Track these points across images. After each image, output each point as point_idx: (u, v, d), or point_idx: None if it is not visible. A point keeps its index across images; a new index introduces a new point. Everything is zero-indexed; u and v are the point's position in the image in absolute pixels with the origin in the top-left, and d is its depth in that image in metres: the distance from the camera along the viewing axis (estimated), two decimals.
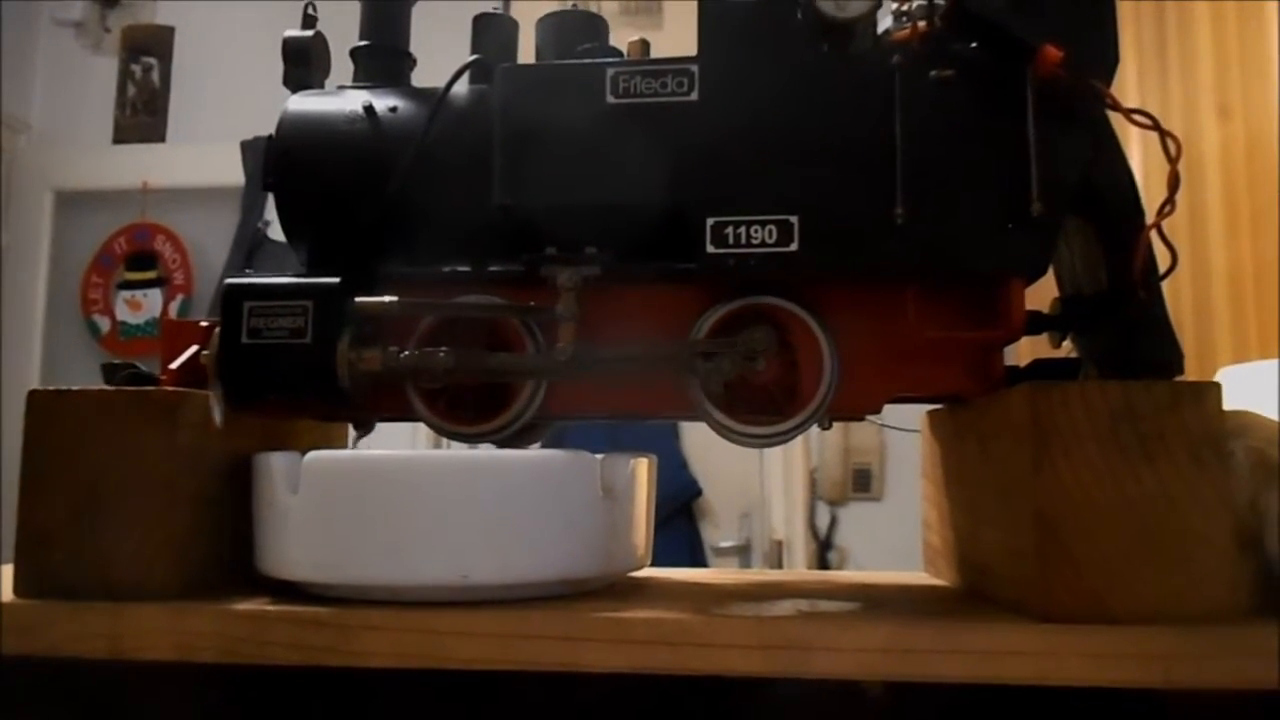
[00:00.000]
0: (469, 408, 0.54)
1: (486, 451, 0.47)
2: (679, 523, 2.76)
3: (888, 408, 0.53)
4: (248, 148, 2.52)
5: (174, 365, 0.53)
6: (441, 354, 0.50)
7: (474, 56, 0.56)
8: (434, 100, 0.55)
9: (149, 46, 2.97)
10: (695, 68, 0.50)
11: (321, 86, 0.60)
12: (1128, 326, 0.47)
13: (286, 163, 0.56)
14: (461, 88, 0.56)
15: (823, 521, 2.79)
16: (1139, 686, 0.42)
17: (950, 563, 0.58)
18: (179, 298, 2.79)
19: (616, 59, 0.52)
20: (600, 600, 0.48)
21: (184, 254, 2.78)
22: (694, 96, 0.50)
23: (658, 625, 0.44)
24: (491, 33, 0.58)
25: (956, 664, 0.43)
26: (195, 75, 2.87)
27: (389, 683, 0.49)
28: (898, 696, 0.46)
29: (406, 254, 0.56)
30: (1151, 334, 0.47)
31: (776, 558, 2.80)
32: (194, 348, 0.54)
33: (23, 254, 2.83)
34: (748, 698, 0.48)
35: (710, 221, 0.49)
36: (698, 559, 2.88)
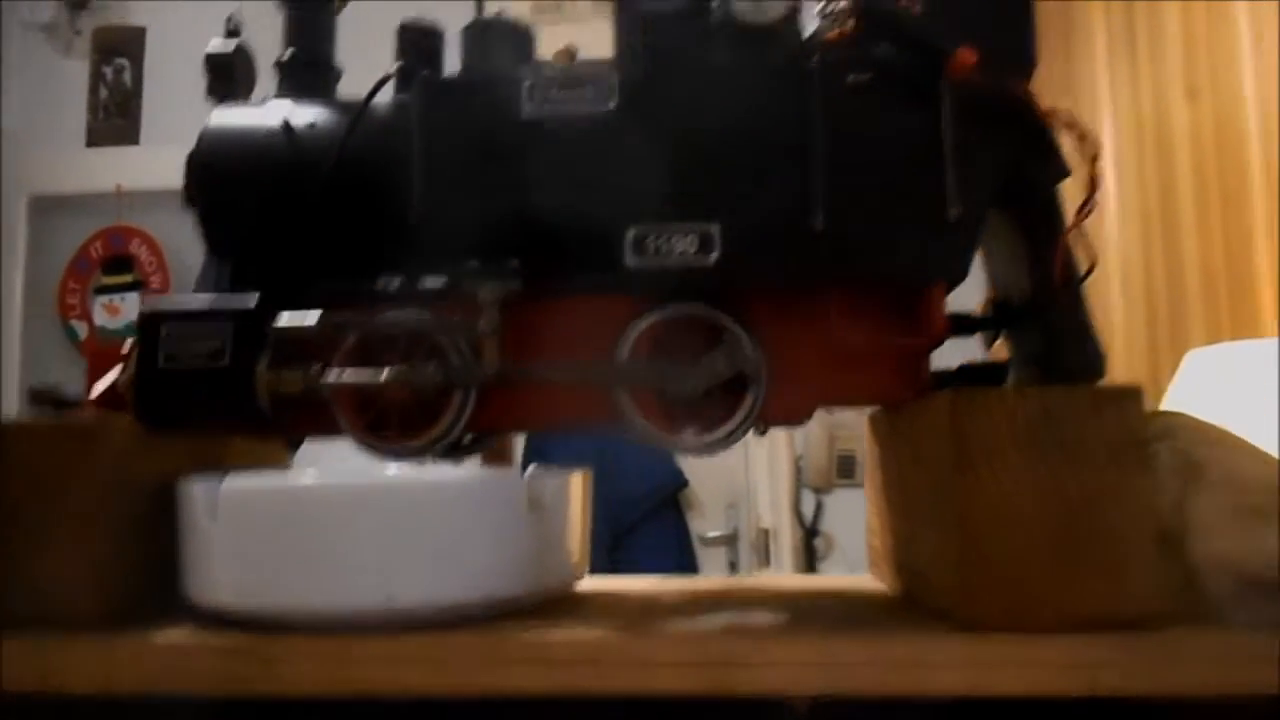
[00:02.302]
0: (397, 424, 0.53)
1: (406, 473, 0.47)
2: (666, 514, 2.76)
3: None
4: None
5: (96, 389, 0.52)
6: (364, 373, 0.49)
7: (395, 66, 0.55)
8: (354, 112, 0.54)
9: (120, 48, 2.95)
10: (612, 77, 0.49)
11: (247, 98, 0.59)
12: (1049, 332, 0.47)
13: (206, 178, 0.55)
14: (384, 98, 0.55)
15: (808, 509, 2.79)
16: (1066, 695, 0.42)
17: (890, 567, 0.58)
18: None
19: (532, 69, 0.51)
20: (528, 620, 0.47)
21: (160, 257, 2.77)
22: (611, 106, 0.49)
23: (581, 645, 0.44)
24: (415, 43, 0.57)
25: (883, 677, 0.43)
26: (167, 76, 2.84)
27: (336, 706, 0.48)
28: (825, 711, 0.46)
29: (330, 269, 0.55)
30: (1072, 339, 0.47)
31: (764, 546, 2.81)
32: (116, 370, 0.53)
33: None
34: (679, 714, 0.47)
35: (630, 232, 0.48)
36: (685, 550, 2.89)
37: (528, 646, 0.44)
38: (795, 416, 0.53)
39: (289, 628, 0.46)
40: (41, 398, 0.55)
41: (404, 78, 0.55)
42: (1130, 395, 0.43)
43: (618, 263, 0.48)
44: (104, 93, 2.94)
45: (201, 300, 0.51)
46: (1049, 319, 0.47)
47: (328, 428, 0.53)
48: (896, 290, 0.49)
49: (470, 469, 0.48)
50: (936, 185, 0.46)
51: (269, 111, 0.56)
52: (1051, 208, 0.48)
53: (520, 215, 0.50)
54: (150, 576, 0.51)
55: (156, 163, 2.78)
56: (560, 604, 0.52)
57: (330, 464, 0.60)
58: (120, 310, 2.80)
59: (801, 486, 2.78)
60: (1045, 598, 0.43)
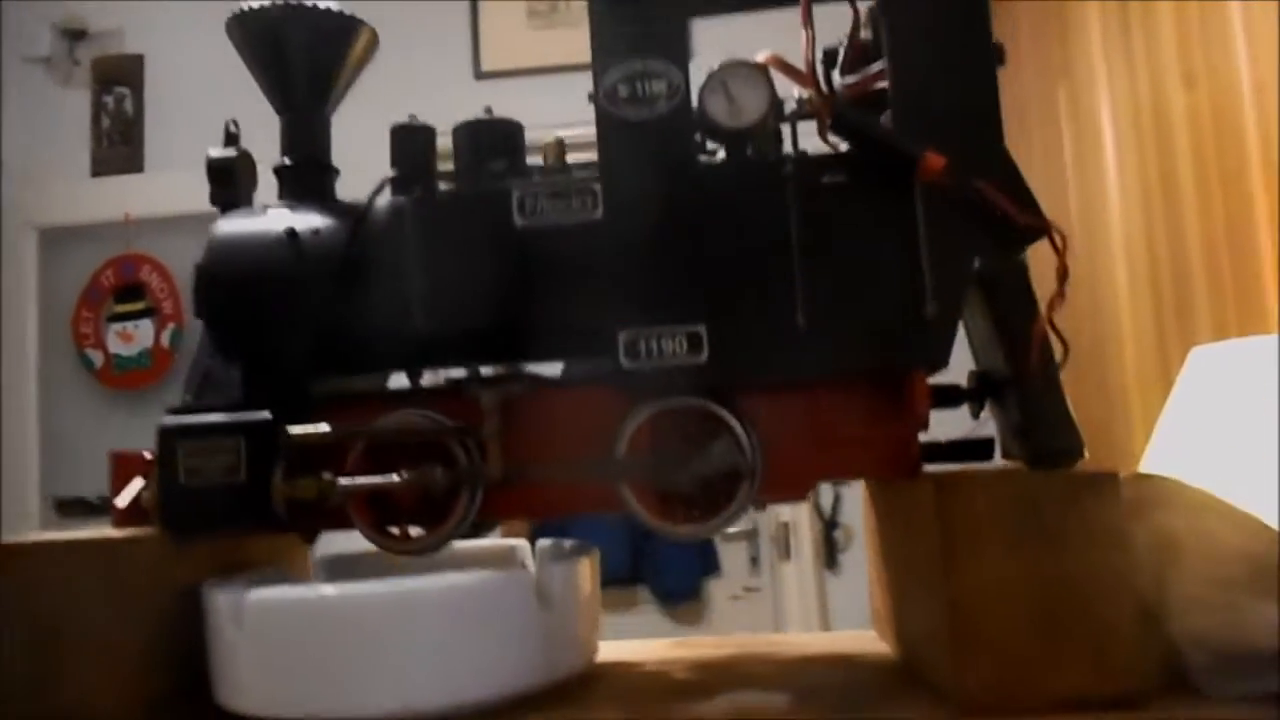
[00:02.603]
0: (407, 519, 0.55)
1: (421, 580, 0.49)
2: None
3: None
4: None
5: (120, 502, 0.55)
6: (375, 479, 0.51)
7: (390, 174, 0.57)
8: (354, 219, 0.56)
9: (120, 76, 2.97)
10: (598, 187, 0.51)
11: (249, 201, 0.62)
12: (1027, 416, 0.49)
13: (215, 288, 0.57)
14: (382, 200, 0.57)
15: (826, 501, 2.81)
16: None
17: (889, 629, 0.60)
18: (170, 326, 2.81)
19: (521, 182, 0.53)
20: (539, 712, 0.49)
21: (171, 283, 2.80)
22: (598, 214, 0.51)
23: None
24: (409, 143, 0.59)
25: None
26: (168, 102, 2.87)
27: None
28: None
29: (338, 373, 0.57)
30: (1050, 423, 0.48)
31: (784, 540, 2.83)
32: (138, 483, 0.55)
33: (11, 293, 2.84)
34: None
35: (622, 335, 0.50)
36: (706, 547, 2.91)
37: None
38: (791, 494, 0.55)
39: None
40: (70, 508, 0.57)
41: (400, 182, 0.57)
42: (1107, 481, 0.45)
43: (613, 364, 0.50)
44: (106, 122, 2.96)
45: (214, 416, 0.53)
46: (1027, 403, 0.49)
47: (342, 524, 0.55)
48: (880, 380, 0.51)
49: (480, 572, 0.50)
50: (913, 282, 0.48)
51: (272, 219, 0.58)
52: (1023, 295, 0.49)
53: (516, 323, 0.51)
54: (180, 680, 0.53)
55: (162, 189, 2.82)
56: (572, 688, 0.54)
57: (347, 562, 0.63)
58: (134, 337, 2.84)
59: None
60: (1032, 679, 0.45)
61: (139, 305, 2.85)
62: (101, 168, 2.93)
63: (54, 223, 2.87)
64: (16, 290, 2.84)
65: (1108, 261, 1.98)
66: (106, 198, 2.84)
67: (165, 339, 2.80)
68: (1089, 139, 2.05)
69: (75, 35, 3.00)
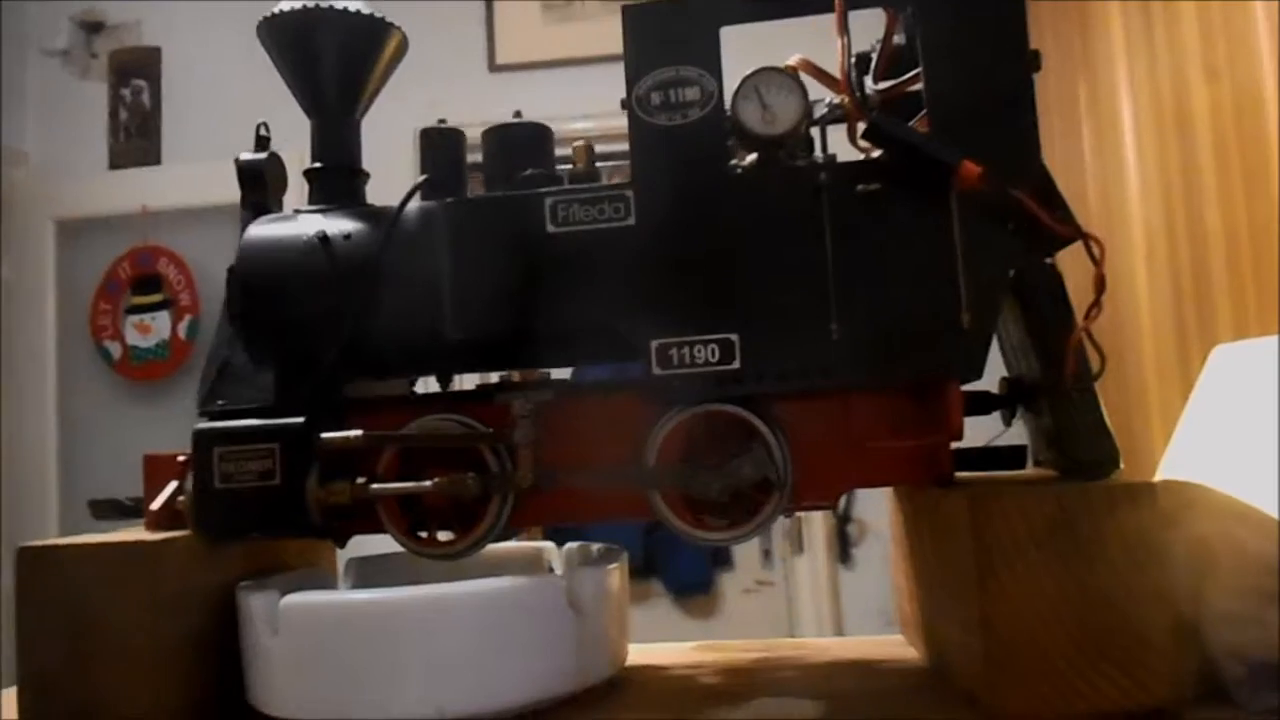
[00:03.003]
0: (439, 523, 0.55)
1: (454, 585, 0.49)
2: None
3: None
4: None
5: (154, 506, 0.55)
6: (407, 485, 0.52)
7: (421, 178, 0.57)
8: (386, 224, 0.56)
9: (137, 69, 2.98)
10: (630, 193, 0.51)
11: (280, 205, 0.62)
12: (1063, 427, 0.49)
13: (248, 293, 0.57)
14: (413, 205, 0.57)
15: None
16: None
17: (918, 635, 0.60)
18: (187, 318, 2.82)
19: (554, 189, 0.53)
20: (570, 715, 0.50)
21: (188, 274, 2.81)
22: (630, 221, 0.51)
23: None
24: (439, 147, 0.59)
25: None
26: (185, 94, 2.88)
27: None
28: None
29: (371, 377, 0.58)
30: (1086, 435, 0.48)
31: (797, 534, 2.83)
32: (172, 485, 0.55)
33: (29, 285, 2.86)
34: None
35: (654, 344, 0.50)
36: None
37: None
38: (822, 500, 0.55)
39: None
40: (104, 510, 0.57)
41: (431, 186, 0.57)
42: (1144, 492, 0.45)
43: (645, 372, 0.50)
44: (123, 114, 2.97)
45: (249, 419, 0.53)
46: (1062, 413, 0.49)
47: (374, 528, 0.56)
48: (914, 389, 0.51)
49: (513, 579, 0.50)
50: (949, 291, 0.48)
51: (303, 223, 0.58)
52: (1060, 304, 0.49)
53: (548, 331, 0.52)
54: (218, 680, 0.54)
55: (179, 181, 2.84)
56: (603, 693, 0.54)
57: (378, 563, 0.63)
58: (151, 329, 2.85)
59: None
60: (1067, 692, 0.45)
61: (156, 297, 2.86)
62: (119, 160, 2.94)
63: (71, 215, 2.89)
64: (34, 282, 2.85)
65: (1128, 257, 1.97)
66: (124, 190, 2.85)
67: (182, 330, 2.82)
68: (1109, 134, 2.04)
69: (93, 28, 3.01)
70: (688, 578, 2.96)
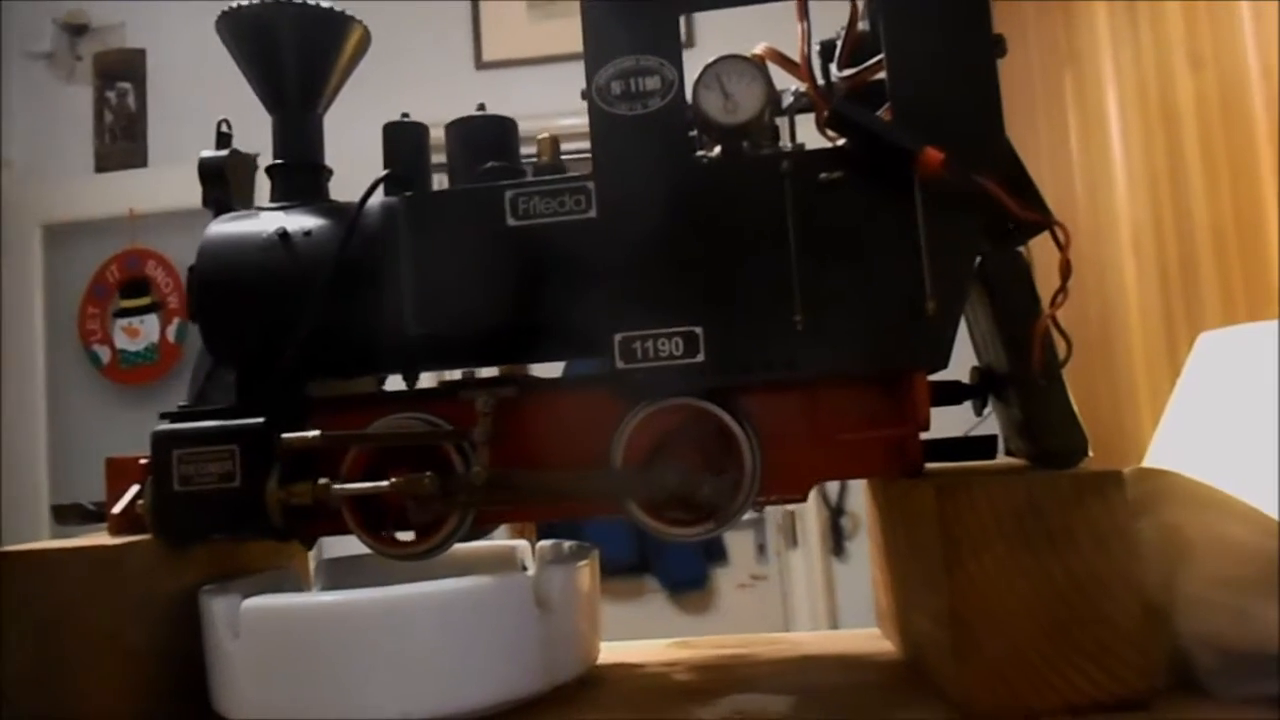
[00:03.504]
0: (406, 523, 0.55)
1: (417, 586, 0.48)
2: None
3: None
4: None
5: (116, 510, 0.54)
6: (369, 485, 0.51)
7: (383, 173, 0.57)
8: (347, 220, 0.55)
9: (122, 71, 2.97)
10: (591, 185, 0.50)
11: (247, 202, 0.61)
12: (1031, 415, 0.48)
13: (208, 292, 0.56)
14: (375, 200, 0.57)
15: (833, 489, 2.81)
16: None
17: (893, 628, 0.59)
18: (176, 321, 2.81)
19: (514, 181, 0.52)
20: (539, 715, 0.49)
21: (176, 277, 2.79)
22: (592, 214, 0.50)
23: None
24: (402, 141, 0.59)
25: None
26: (170, 96, 2.87)
27: None
28: None
29: (333, 376, 0.57)
30: (1054, 423, 0.48)
31: (790, 528, 2.83)
32: (134, 489, 0.55)
33: (17, 290, 2.85)
34: None
35: (618, 337, 0.49)
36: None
37: None
38: (791, 494, 0.54)
39: None
40: (66, 514, 0.57)
41: (392, 181, 0.57)
42: (1112, 481, 0.45)
43: (609, 366, 0.49)
44: (109, 117, 2.96)
45: (209, 420, 0.53)
46: (1030, 402, 0.48)
47: (340, 529, 0.55)
48: (881, 379, 0.50)
49: (476, 578, 0.49)
50: (913, 280, 0.47)
51: (264, 220, 0.57)
52: (1026, 291, 0.49)
53: (510, 325, 0.51)
54: (179, 689, 0.53)
55: (166, 184, 2.82)
56: (573, 692, 0.54)
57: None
58: (140, 333, 2.84)
59: None
60: (1038, 684, 0.44)
61: (145, 300, 2.85)
62: (105, 163, 2.93)
63: (58, 219, 2.88)
64: (22, 287, 2.84)
65: (1115, 247, 1.97)
66: (110, 193, 2.84)
67: (171, 334, 2.81)
68: (1095, 124, 2.03)
69: (77, 30, 3.00)
70: (682, 574, 2.96)
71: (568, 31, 2.89)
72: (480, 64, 2.78)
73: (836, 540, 2.80)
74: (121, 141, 2.94)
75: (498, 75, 2.74)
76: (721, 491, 0.49)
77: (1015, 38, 2.33)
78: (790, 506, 2.82)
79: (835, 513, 2.82)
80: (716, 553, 2.96)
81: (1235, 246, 1.67)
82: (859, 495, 2.74)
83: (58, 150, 2.90)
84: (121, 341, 2.83)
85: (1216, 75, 1.70)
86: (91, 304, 2.85)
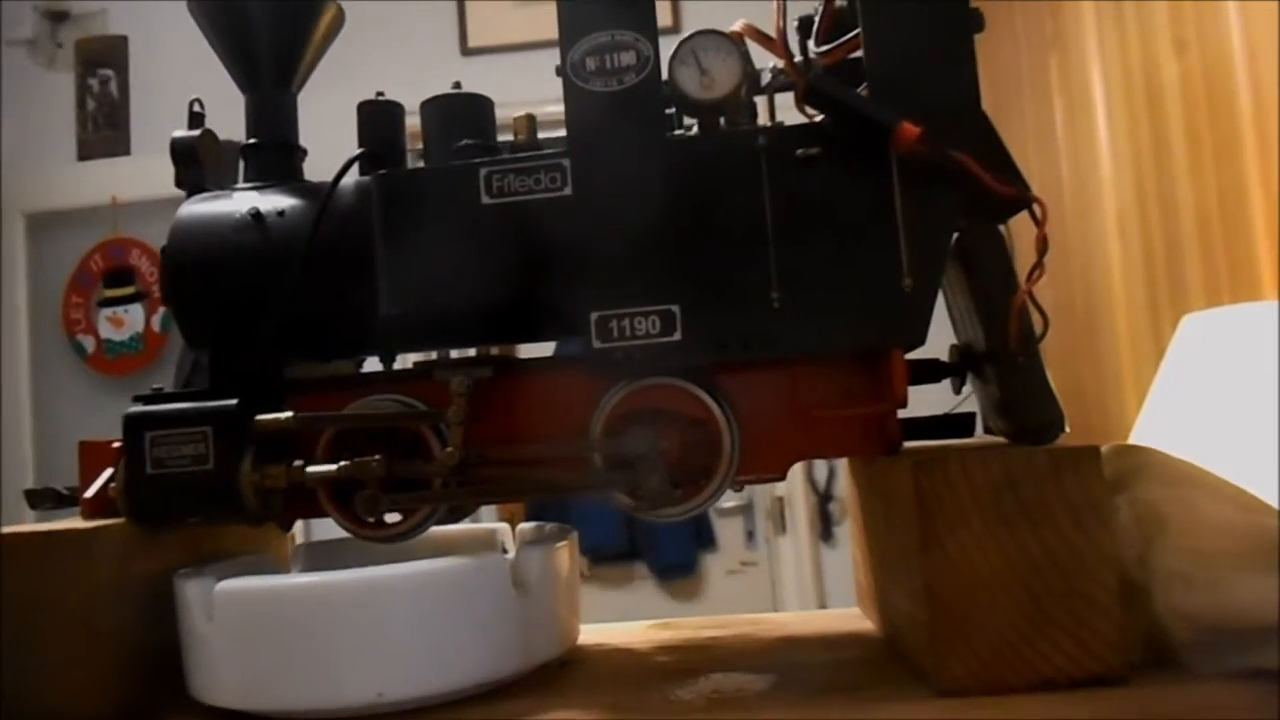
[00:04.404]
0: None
1: (393, 568, 0.48)
2: None
3: None
4: None
5: (88, 494, 0.54)
6: (340, 466, 0.50)
7: (357, 151, 0.56)
8: (321, 199, 0.55)
9: (104, 59, 2.94)
10: (566, 162, 0.50)
11: (219, 183, 0.60)
12: (1007, 391, 0.48)
13: (179, 273, 0.56)
14: (350, 180, 0.56)
15: (821, 475, 2.82)
16: None
17: (873, 608, 0.59)
18: (161, 310, 2.79)
19: (488, 159, 0.51)
20: (517, 699, 0.49)
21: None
22: (567, 191, 0.50)
23: None
24: (378, 120, 0.58)
25: None
26: (153, 83, 2.84)
27: None
28: None
29: (308, 356, 0.56)
30: (1030, 400, 0.47)
31: (779, 514, 2.83)
32: (107, 473, 0.54)
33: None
34: None
35: (594, 316, 0.49)
36: (701, 521, 2.92)
37: None
38: (769, 472, 0.54)
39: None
40: (39, 498, 0.56)
41: (367, 160, 0.56)
42: (1088, 455, 0.44)
43: (585, 346, 0.49)
44: (91, 105, 2.93)
45: (183, 403, 0.52)
46: (1007, 378, 0.48)
47: (316, 512, 0.55)
48: (858, 357, 0.50)
49: (453, 559, 0.49)
50: (890, 256, 0.47)
51: (237, 201, 0.57)
52: (1003, 268, 0.48)
53: (484, 304, 0.50)
54: (154, 674, 0.53)
55: (149, 172, 2.79)
56: (552, 673, 0.53)
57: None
58: (125, 322, 2.82)
59: None
60: (1013, 658, 0.44)
61: (129, 290, 2.83)
62: (88, 151, 2.90)
63: (41, 208, 2.85)
64: (5, 277, 2.82)
65: (1100, 230, 1.97)
66: (93, 181, 2.82)
67: (156, 323, 2.79)
68: (1081, 108, 2.03)
69: (57, 17, 2.97)
70: (672, 560, 2.97)
71: (553, 18, 2.88)
72: (465, 50, 2.77)
73: (825, 526, 2.81)
74: (104, 129, 2.92)
75: (483, 61, 2.72)
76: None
77: (1001, 21, 2.33)
78: (779, 493, 2.82)
79: (824, 498, 2.83)
80: (706, 539, 2.96)
81: (1219, 229, 1.68)
82: (847, 482, 2.74)
83: (39, 138, 2.87)
84: (106, 331, 2.81)
85: (1201, 58, 1.70)
86: (75, 293, 2.83)
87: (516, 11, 2.73)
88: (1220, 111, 1.65)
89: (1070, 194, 2.07)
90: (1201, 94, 1.70)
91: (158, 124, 2.81)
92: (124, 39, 2.92)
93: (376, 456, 0.49)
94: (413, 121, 0.57)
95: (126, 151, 2.88)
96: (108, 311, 2.83)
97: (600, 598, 2.83)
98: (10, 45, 2.92)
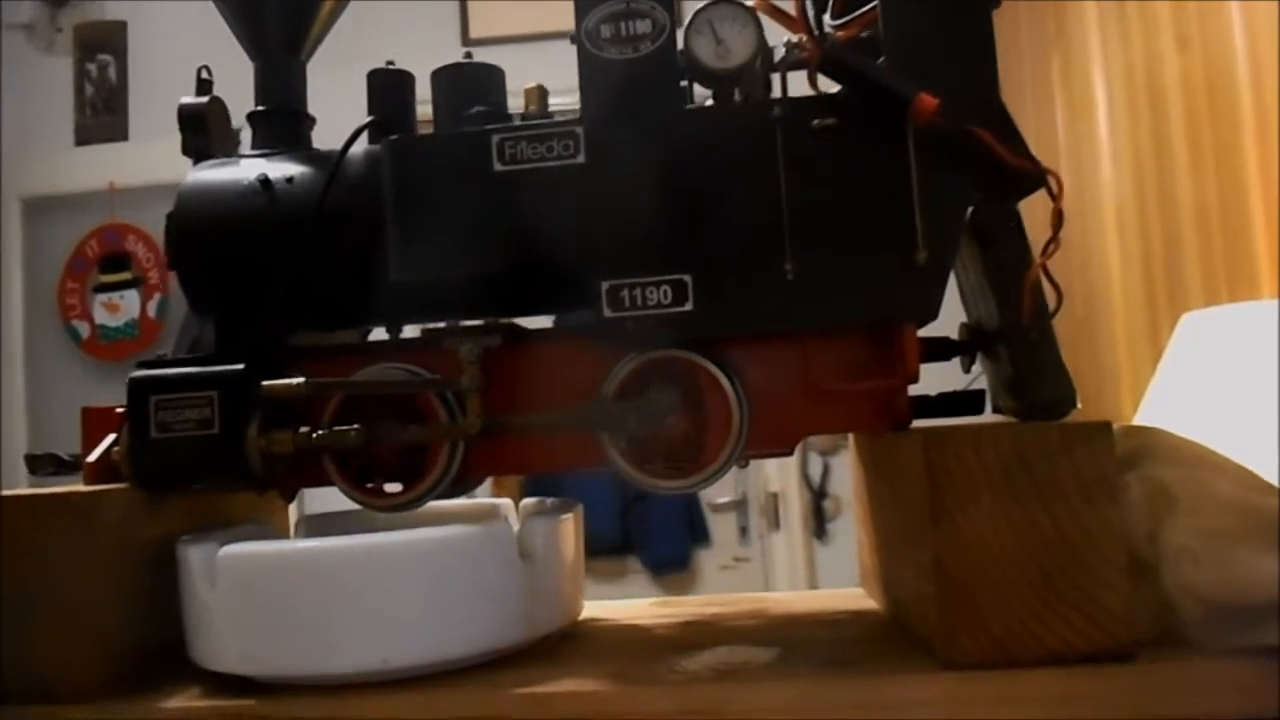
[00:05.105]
0: (388, 475, 0.54)
1: (398, 534, 0.48)
2: None
3: None
4: None
5: (91, 458, 0.53)
6: (352, 431, 0.50)
7: (367, 119, 0.56)
8: (330, 166, 0.54)
9: (103, 44, 2.93)
10: (580, 130, 0.50)
11: (227, 151, 0.60)
12: (1019, 367, 0.48)
13: (185, 240, 0.55)
14: (360, 149, 0.56)
15: (815, 472, 2.82)
16: None
17: (878, 587, 0.59)
18: (156, 297, 2.79)
19: (501, 125, 0.51)
20: (521, 669, 0.49)
21: (157, 252, 2.76)
22: (580, 159, 0.49)
23: (576, 698, 0.45)
24: (387, 88, 0.58)
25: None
26: (152, 69, 2.83)
27: None
28: None
29: (314, 326, 0.56)
30: (1043, 374, 0.47)
31: (773, 510, 2.84)
32: (110, 438, 0.54)
33: None
34: None
35: (605, 285, 0.49)
36: (695, 516, 2.92)
37: (522, 701, 0.45)
38: (778, 447, 0.53)
39: (292, 689, 0.47)
40: (40, 463, 0.56)
41: (377, 128, 0.56)
42: (1100, 431, 0.44)
43: (596, 315, 0.49)
44: (90, 90, 2.92)
45: (188, 367, 0.52)
46: (1019, 355, 0.48)
47: (320, 480, 0.54)
48: (870, 331, 0.50)
49: (459, 527, 0.49)
50: (904, 229, 0.47)
51: (244, 168, 0.56)
52: (1017, 243, 0.48)
53: (495, 272, 0.50)
54: (155, 640, 0.52)
55: (147, 157, 2.79)
56: (555, 644, 0.53)
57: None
58: (120, 308, 2.81)
59: (808, 450, 2.80)
60: (1022, 634, 0.44)
61: (125, 275, 2.82)
62: (85, 136, 2.89)
63: (37, 192, 2.84)
64: (1, 262, 2.81)
65: (1100, 227, 1.97)
66: (91, 167, 2.80)
67: (152, 309, 2.78)
68: (1082, 106, 2.03)
69: (57, 1, 2.95)
70: (665, 554, 2.96)
71: (556, 8, 2.87)
72: (467, 40, 2.76)
73: (818, 523, 2.81)
74: (102, 114, 2.91)
75: (484, 52, 2.69)
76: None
77: (1004, 19, 2.33)
78: (773, 489, 2.83)
79: (817, 495, 2.83)
80: (699, 534, 2.96)
81: (1219, 227, 1.68)
82: (841, 479, 2.75)
83: (37, 123, 2.86)
84: (101, 317, 2.80)
85: (1203, 56, 1.70)
86: (71, 279, 2.82)
87: (518, 2, 2.72)
88: (1221, 109, 1.65)
89: (1070, 191, 2.06)
90: (1203, 92, 1.71)
91: (156, 109, 2.80)
92: (123, 24, 2.91)
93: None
94: (422, 111, 0.57)
95: (124, 137, 2.87)
96: (103, 297, 2.82)
97: (593, 591, 2.82)
98: (9, 29, 2.91)
